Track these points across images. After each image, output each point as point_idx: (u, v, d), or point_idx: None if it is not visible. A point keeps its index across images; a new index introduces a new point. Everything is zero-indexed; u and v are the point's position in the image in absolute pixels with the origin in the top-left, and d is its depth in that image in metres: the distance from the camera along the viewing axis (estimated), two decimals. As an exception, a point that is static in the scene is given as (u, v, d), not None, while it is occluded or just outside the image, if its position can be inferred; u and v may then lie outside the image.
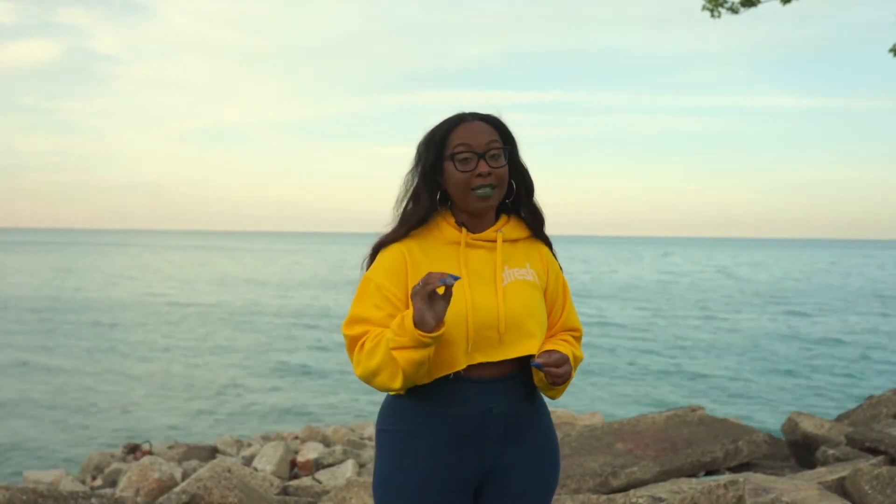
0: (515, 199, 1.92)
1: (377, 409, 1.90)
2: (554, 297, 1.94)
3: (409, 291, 1.75)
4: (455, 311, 1.74)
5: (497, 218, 1.92)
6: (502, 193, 1.86)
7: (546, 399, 1.94)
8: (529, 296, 1.84)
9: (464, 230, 1.85)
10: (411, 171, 1.88)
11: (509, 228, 1.90)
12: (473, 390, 1.77)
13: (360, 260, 1.90)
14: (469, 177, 1.80)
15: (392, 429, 1.82)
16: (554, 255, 1.98)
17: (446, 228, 1.85)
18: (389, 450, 1.81)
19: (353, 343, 1.78)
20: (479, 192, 1.80)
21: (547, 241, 1.98)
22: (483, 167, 1.80)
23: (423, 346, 1.64)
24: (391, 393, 1.81)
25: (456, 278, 1.61)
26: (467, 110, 1.88)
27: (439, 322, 1.64)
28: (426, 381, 1.76)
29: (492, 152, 1.81)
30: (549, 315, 1.93)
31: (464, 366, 1.76)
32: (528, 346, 1.80)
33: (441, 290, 1.64)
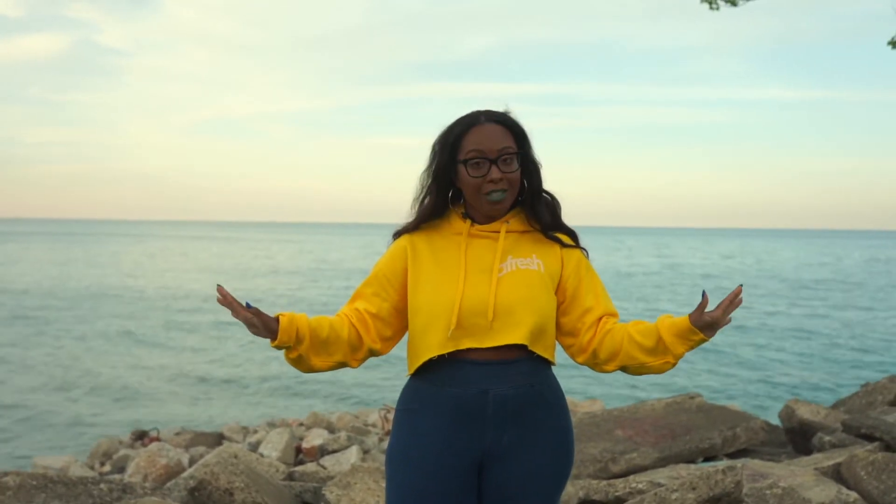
0: (527, 195, 1.94)
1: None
2: (576, 285, 1.93)
3: (408, 279, 1.91)
4: (445, 298, 1.85)
5: (509, 211, 1.95)
6: (514, 195, 1.91)
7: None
8: (527, 285, 1.87)
9: (468, 221, 1.92)
10: (426, 169, 1.95)
11: (517, 221, 1.94)
12: (472, 372, 1.84)
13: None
14: (481, 182, 1.86)
15: (403, 408, 1.95)
16: (575, 245, 1.96)
17: (455, 220, 1.94)
18: (399, 427, 1.94)
19: None
20: (492, 196, 1.86)
21: (559, 236, 1.96)
22: (495, 173, 1.85)
23: (282, 350, 1.85)
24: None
25: (249, 305, 1.78)
26: (481, 108, 1.91)
27: (274, 336, 1.81)
28: (418, 362, 1.88)
29: (504, 157, 1.85)
30: (574, 304, 1.93)
31: (446, 350, 1.84)
32: (517, 335, 1.84)
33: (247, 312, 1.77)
